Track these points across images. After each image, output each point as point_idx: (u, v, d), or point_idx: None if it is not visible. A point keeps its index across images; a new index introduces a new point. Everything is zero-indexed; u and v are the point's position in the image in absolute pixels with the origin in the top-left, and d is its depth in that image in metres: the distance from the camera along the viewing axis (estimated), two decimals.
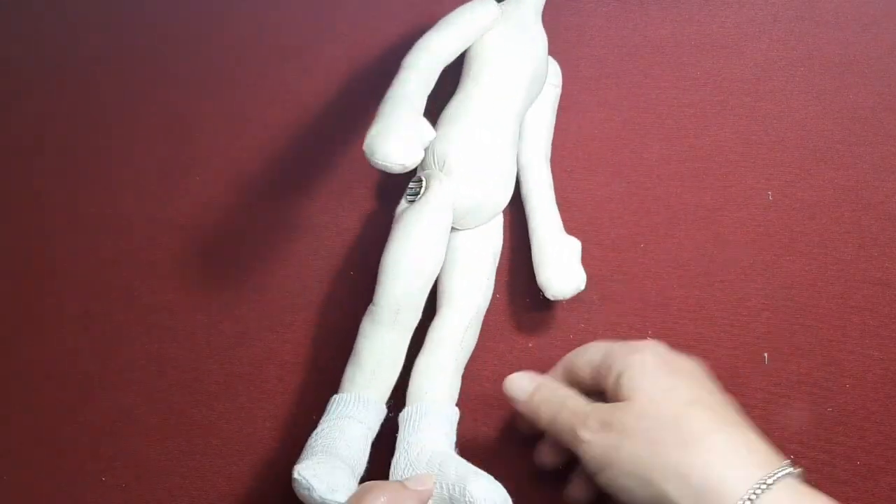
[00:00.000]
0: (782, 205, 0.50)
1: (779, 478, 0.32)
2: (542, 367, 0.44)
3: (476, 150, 0.45)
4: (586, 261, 0.46)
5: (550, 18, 0.53)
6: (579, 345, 0.45)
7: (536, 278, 0.45)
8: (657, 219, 0.50)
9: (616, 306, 0.47)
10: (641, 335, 0.46)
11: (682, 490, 0.32)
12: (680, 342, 0.45)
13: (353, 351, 0.42)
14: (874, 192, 0.50)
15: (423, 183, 0.44)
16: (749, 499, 0.31)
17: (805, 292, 0.47)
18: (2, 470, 0.45)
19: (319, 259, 0.50)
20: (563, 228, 0.47)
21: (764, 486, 0.31)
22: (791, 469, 0.33)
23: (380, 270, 0.42)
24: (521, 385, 0.39)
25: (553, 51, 0.52)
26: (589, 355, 0.39)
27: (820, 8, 0.58)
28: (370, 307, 0.42)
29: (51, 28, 0.64)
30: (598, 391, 0.37)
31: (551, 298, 0.45)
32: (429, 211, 0.43)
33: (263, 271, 0.50)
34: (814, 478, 0.41)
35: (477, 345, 0.45)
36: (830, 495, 0.40)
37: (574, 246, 0.46)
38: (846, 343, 0.45)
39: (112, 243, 0.52)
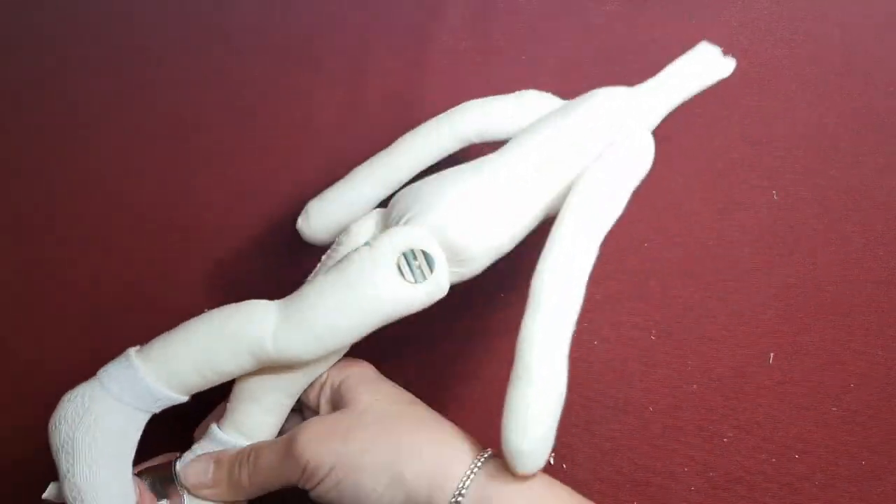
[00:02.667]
0: (787, 204, 0.50)
1: (487, 457, 0.33)
2: None
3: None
4: None
5: (552, 17, 0.53)
6: (583, 344, 0.46)
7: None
8: (661, 218, 0.50)
9: (619, 305, 0.47)
10: (645, 335, 0.46)
11: (415, 468, 0.32)
12: (684, 342, 0.45)
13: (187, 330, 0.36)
14: (880, 192, 0.50)
15: (428, 259, 0.35)
16: (472, 471, 0.32)
17: (810, 292, 0.47)
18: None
19: None
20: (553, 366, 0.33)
21: (479, 463, 0.32)
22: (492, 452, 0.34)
23: (306, 305, 0.35)
24: (198, 469, 0.36)
25: (556, 50, 0.51)
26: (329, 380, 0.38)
27: (825, 7, 0.57)
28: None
29: (51, 28, 0.64)
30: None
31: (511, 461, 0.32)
32: (421, 296, 0.34)
33: (267, 272, 0.50)
34: (818, 478, 0.41)
35: (480, 345, 0.45)
36: (834, 495, 0.40)
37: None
38: (851, 343, 0.45)
39: (114, 244, 0.52)
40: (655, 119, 0.40)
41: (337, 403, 0.36)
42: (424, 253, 0.34)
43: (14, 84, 0.61)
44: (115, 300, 0.50)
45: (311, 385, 0.38)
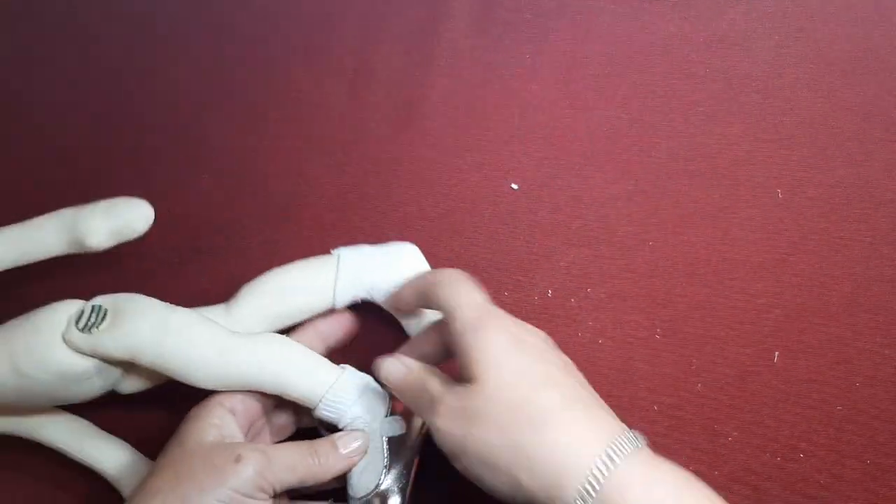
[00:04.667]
0: (792, 203, 0.50)
1: (626, 453, 0.31)
2: None
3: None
4: (595, 260, 0.45)
5: (558, 16, 0.53)
6: (588, 343, 0.46)
7: None
8: (666, 217, 0.50)
9: (624, 304, 0.47)
10: (650, 333, 0.46)
11: (531, 473, 0.31)
12: (688, 341, 0.45)
13: None
14: (885, 190, 0.50)
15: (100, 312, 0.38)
16: (594, 476, 0.31)
17: (815, 290, 0.47)
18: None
19: None
20: None
21: (609, 462, 0.31)
22: (637, 442, 0.33)
23: None
24: (391, 369, 0.38)
25: (560, 49, 0.51)
26: (452, 300, 0.37)
27: (830, 4, 0.57)
28: None
29: (54, 26, 0.64)
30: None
31: None
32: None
33: (270, 269, 0.50)
34: (823, 477, 0.41)
35: None
36: (838, 494, 0.40)
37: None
38: (856, 341, 0.45)
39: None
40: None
41: (466, 370, 0.35)
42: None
43: (14, 84, 0.61)
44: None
45: (452, 334, 0.36)
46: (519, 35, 0.59)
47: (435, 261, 0.49)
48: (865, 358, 0.44)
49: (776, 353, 0.45)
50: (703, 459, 0.42)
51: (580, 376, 0.36)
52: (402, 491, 0.37)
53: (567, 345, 0.45)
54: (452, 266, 0.49)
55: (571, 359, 0.45)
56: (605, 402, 0.43)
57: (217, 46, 0.62)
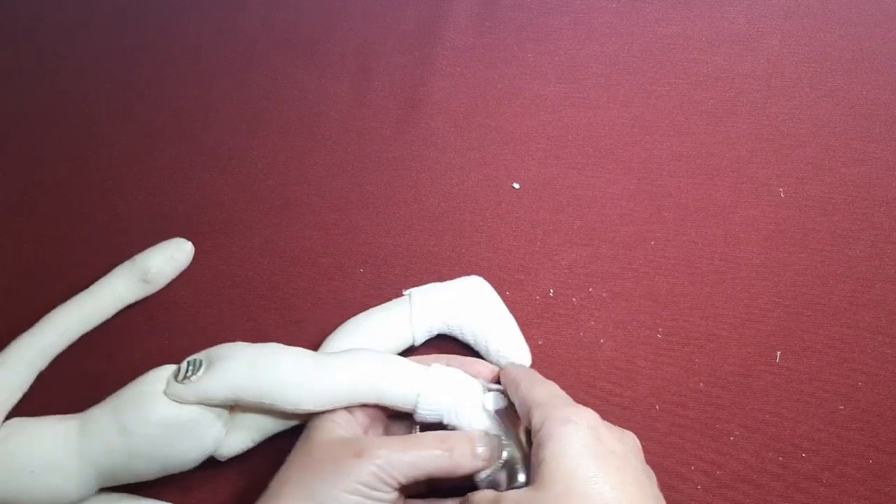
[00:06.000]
0: (794, 202, 0.50)
1: None
2: (552, 364, 0.45)
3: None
4: (597, 259, 0.45)
5: (560, 15, 0.53)
6: (590, 343, 0.45)
7: None
8: (668, 216, 0.50)
9: (626, 304, 0.47)
10: (651, 332, 0.46)
11: None
12: (690, 340, 0.45)
13: None
14: (887, 189, 0.50)
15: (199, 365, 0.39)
16: None
17: (817, 290, 0.47)
18: None
19: (328, 257, 0.50)
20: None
21: None
22: None
23: None
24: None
25: (561, 48, 0.51)
26: (532, 395, 0.35)
27: (832, 4, 0.57)
28: None
29: (54, 28, 0.64)
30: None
31: None
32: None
33: (273, 268, 0.50)
34: (826, 477, 0.40)
35: None
36: (841, 493, 0.40)
37: None
38: (858, 341, 0.45)
39: (120, 240, 0.52)
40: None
41: (537, 466, 0.32)
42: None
43: (14, 83, 0.62)
44: None
45: (535, 422, 0.34)
46: (521, 34, 0.59)
47: (436, 260, 0.49)
48: (867, 357, 0.44)
49: (778, 352, 0.45)
50: (705, 458, 0.42)
51: (660, 495, 0.33)
52: (525, 459, 0.36)
53: (569, 344, 0.45)
54: (453, 266, 0.49)
55: (572, 358, 0.45)
56: (608, 400, 0.43)
57: (219, 46, 0.62)
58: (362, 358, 0.39)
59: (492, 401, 0.38)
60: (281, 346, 0.40)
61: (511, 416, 0.38)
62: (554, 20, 0.55)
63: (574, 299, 0.47)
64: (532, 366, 0.44)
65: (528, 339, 0.46)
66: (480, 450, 0.35)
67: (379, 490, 0.33)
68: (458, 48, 0.59)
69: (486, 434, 0.36)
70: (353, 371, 0.38)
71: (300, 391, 0.37)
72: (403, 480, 0.34)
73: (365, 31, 0.60)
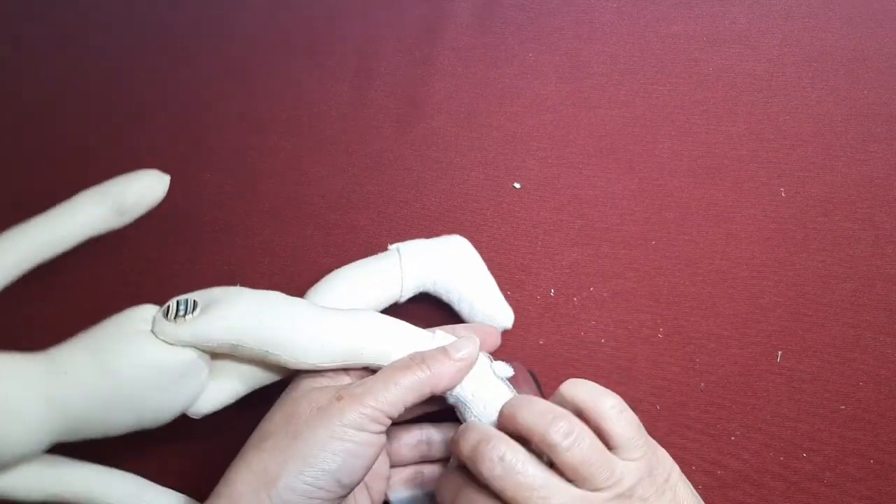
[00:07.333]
0: (795, 201, 0.50)
1: None
2: (553, 364, 0.45)
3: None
4: (598, 258, 0.45)
5: (561, 14, 0.53)
6: (590, 342, 0.45)
7: None
8: (669, 216, 0.50)
9: (627, 303, 0.47)
10: (652, 332, 0.46)
11: None
12: (691, 340, 0.45)
13: None
14: (888, 188, 0.50)
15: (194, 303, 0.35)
16: None
17: (818, 289, 0.47)
18: None
19: (329, 256, 0.50)
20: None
21: None
22: None
23: None
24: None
25: (563, 47, 0.51)
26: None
27: (833, 3, 0.57)
28: None
29: (56, 24, 0.64)
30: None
31: None
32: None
33: (274, 269, 0.50)
34: (827, 477, 0.40)
35: None
36: (842, 493, 0.40)
37: None
38: (859, 340, 0.45)
39: (121, 239, 0.52)
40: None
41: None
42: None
43: (14, 84, 0.62)
44: (115, 294, 0.50)
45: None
46: (522, 34, 0.59)
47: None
48: (869, 356, 0.44)
49: (779, 351, 0.45)
50: (706, 458, 0.42)
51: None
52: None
53: (570, 344, 0.45)
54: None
55: (573, 358, 0.45)
56: None
57: (219, 46, 0.62)
58: (371, 318, 0.37)
59: (500, 368, 0.38)
60: (285, 295, 0.37)
61: (518, 383, 0.38)
62: (555, 20, 0.55)
63: (575, 299, 0.47)
64: (532, 366, 0.44)
65: (528, 338, 0.46)
66: (457, 355, 0.35)
67: (366, 430, 0.33)
68: (459, 48, 0.59)
69: (460, 339, 0.36)
70: (362, 330, 0.36)
71: (309, 344, 0.35)
72: (395, 413, 0.33)
73: (365, 30, 0.60)
